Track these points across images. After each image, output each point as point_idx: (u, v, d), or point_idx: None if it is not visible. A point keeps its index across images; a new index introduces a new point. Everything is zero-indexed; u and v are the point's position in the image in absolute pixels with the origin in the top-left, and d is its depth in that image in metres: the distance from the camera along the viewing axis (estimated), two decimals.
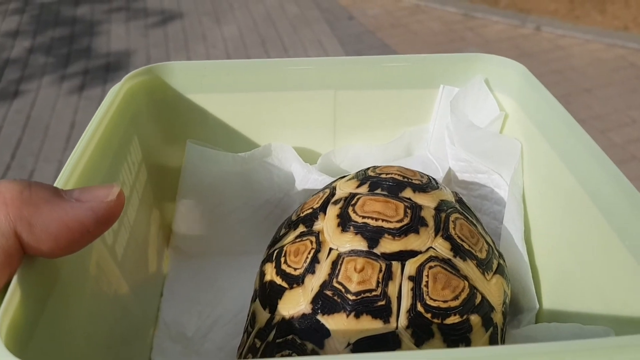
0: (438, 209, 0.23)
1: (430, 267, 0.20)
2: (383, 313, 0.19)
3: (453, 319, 0.19)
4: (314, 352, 0.19)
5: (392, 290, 0.19)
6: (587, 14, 1.77)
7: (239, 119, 0.30)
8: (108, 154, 0.23)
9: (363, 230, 0.21)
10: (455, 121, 0.28)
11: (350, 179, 0.25)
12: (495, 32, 1.71)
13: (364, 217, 0.21)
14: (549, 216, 0.25)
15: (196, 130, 0.30)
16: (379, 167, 0.26)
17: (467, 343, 0.19)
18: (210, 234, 0.32)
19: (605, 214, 0.20)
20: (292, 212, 0.26)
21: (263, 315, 0.21)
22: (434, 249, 0.21)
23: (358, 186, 0.24)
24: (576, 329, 0.20)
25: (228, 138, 0.31)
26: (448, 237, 0.21)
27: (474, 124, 0.28)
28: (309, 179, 0.29)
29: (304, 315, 0.20)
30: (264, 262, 0.24)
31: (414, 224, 0.21)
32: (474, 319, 0.20)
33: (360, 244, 0.21)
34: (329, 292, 0.20)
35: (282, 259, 0.22)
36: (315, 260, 0.21)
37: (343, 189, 0.24)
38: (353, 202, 0.22)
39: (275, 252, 0.23)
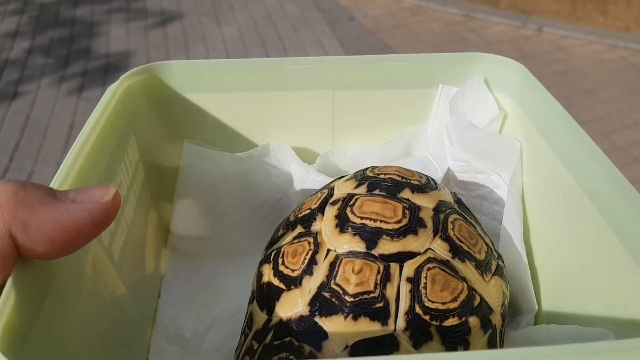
0: (437, 209, 0.22)
1: (429, 269, 0.20)
2: (381, 315, 0.19)
3: (451, 321, 0.19)
4: (311, 355, 0.18)
5: (390, 292, 0.19)
6: (588, 14, 1.76)
7: (237, 118, 0.30)
8: (105, 153, 0.23)
9: (361, 231, 0.21)
10: (454, 121, 0.28)
11: (348, 180, 0.25)
12: (497, 33, 1.71)
13: (362, 218, 0.21)
14: (548, 216, 0.25)
15: (194, 130, 0.30)
16: (378, 167, 0.26)
17: (466, 345, 0.19)
18: (208, 234, 0.32)
19: (605, 214, 0.19)
20: (290, 212, 0.26)
21: (260, 317, 0.21)
22: (432, 250, 0.21)
23: (356, 186, 0.24)
24: (575, 330, 0.20)
25: (226, 138, 0.30)
26: (447, 238, 0.21)
27: (473, 124, 0.28)
28: (307, 179, 0.29)
29: (301, 317, 0.20)
30: (261, 263, 0.24)
31: (413, 225, 0.21)
32: (473, 320, 0.19)
33: (359, 245, 0.20)
34: (326, 294, 0.19)
35: (280, 260, 0.22)
36: (313, 261, 0.21)
37: (341, 190, 0.24)
38: (351, 202, 0.22)
39: (273, 253, 0.23)
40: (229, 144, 0.30)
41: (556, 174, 0.23)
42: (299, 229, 0.23)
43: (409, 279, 0.20)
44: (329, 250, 0.21)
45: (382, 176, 0.24)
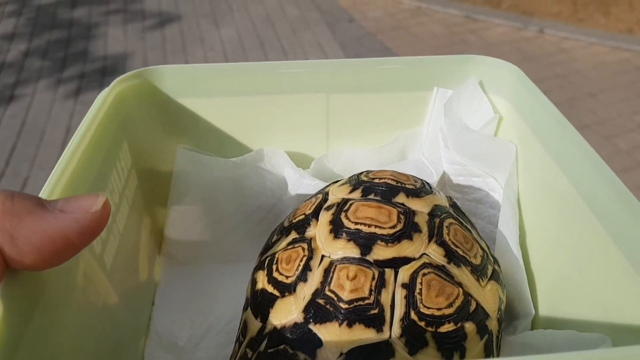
0: (432, 214, 0.22)
1: (424, 274, 0.20)
2: (376, 322, 0.18)
3: (447, 327, 0.19)
4: None
5: (385, 298, 0.19)
6: (590, 16, 1.75)
7: (230, 123, 0.30)
8: (96, 160, 0.23)
9: (356, 237, 0.21)
10: (449, 124, 0.28)
11: (343, 184, 0.25)
12: (498, 35, 1.70)
13: (356, 223, 0.21)
14: (544, 220, 0.24)
15: (187, 135, 0.30)
16: (372, 171, 0.25)
17: (462, 351, 0.19)
18: (203, 240, 0.32)
19: (601, 218, 0.19)
20: (285, 217, 0.26)
21: (255, 325, 0.21)
22: (427, 255, 0.20)
23: (351, 191, 0.24)
24: (572, 336, 0.20)
25: (220, 143, 0.30)
26: (442, 243, 0.21)
27: (468, 127, 0.28)
28: (301, 184, 0.29)
29: (295, 324, 0.19)
30: (255, 270, 0.23)
31: (407, 230, 0.21)
32: (469, 326, 0.19)
33: (353, 251, 0.20)
34: (321, 301, 0.19)
35: (274, 267, 0.22)
36: (307, 267, 0.21)
37: (336, 195, 0.24)
38: (346, 208, 0.22)
39: (267, 259, 0.23)
40: (223, 149, 0.30)
41: (552, 177, 0.23)
42: (293, 235, 0.23)
43: (404, 285, 0.19)
44: (323, 256, 0.21)
45: (376, 180, 0.24)
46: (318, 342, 0.18)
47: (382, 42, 1.68)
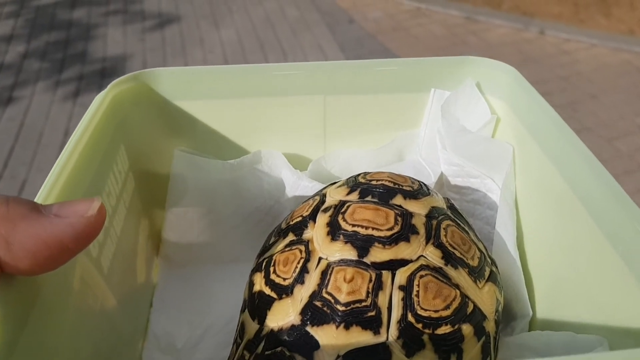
0: (429, 216, 0.22)
1: (421, 276, 0.20)
2: (373, 324, 0.18)
3: (444, 329, 0.19)
4: None
5: (382, 300, 0.19)
6: (591, 17, 1.73)
7: (227, 125, 0.30)
8: (93, 163, 0.23)
9: (353, 239, 0.21)
10: (447, 125, 0.28)
11: (340, 186, 0.25)
12: (498, 36, 1.68)
13: (354, 225, 0.21)
14: (542, 221, 0.24)
15: (184, 137, 0.30)
16: (370, 173, 0.25)
17: (459, 353, 0.19)
18: (201, 242, 0.32)
19: (597, 219, 0.19)
20: (282, 219, 0.26)
21: (252, 327, 0.21)
22: (425, 257, 0.20)
23: (348, 193, 0.24)
24: (569, 337, 0.20)
25: (217, 145, 0.30)
26: (439, 245, 0.21)
27: (465, 128, 0.28)
28: (299, 186, 0.29)
29: (293, 326, 0.19)
30: (253, 272, 0.23)
31: (405, 232, 0.21)
32: (466, 328, 0.19)
33: (350, 253, 0.20)
34: (318, 303, 0.19)
35: (271, 269, 0.22)
36: (304, 270, 0.21)
37: (333, 196, 0.24)
38: (343, 210, 0.22)
39: (265, 261, 0.23)
40: (220, 151, 0.30)
41: (549, 178, 0.23)
42: (291, 237, 0.23)
43: (401, 287, 0.19)
44: (320, 259, 0.21)
45: (374, 182, 0.24)
46: (315, 345, 0.18)
47: (382, 43, 1.68)
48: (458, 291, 0.20)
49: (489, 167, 0.28)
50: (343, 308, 0.19)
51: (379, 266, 0.20)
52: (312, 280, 0.20)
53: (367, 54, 1.61)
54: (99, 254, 0.22)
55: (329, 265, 0.20)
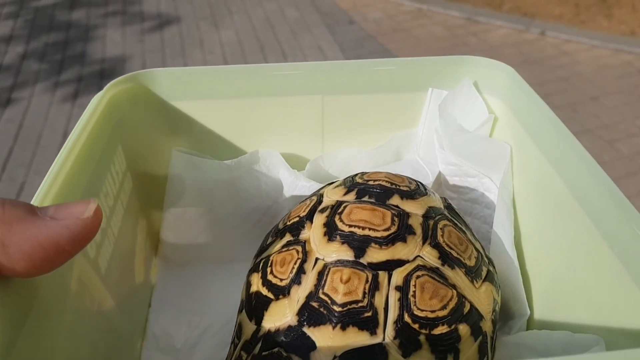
0: (426, 216, 0.22)
1: (418, 277, 0.20)
2: (370, 324, 0.18)
3: (441, 329, 0.19)
4: None
5: (378, 301, 0.19)
6: (592, 18, 1.72)
7: (225, 125, 0.30)
8: (90, 164, 0.23)
9: (350, 240, 0.21)
10: (444, 125, 0.28)
11: (337, 186, 0.25)
12: (499, 37, 1.67)
13: (350, 225, 0.21)
14: (539, 221, 0.24)
15: (182, 138, 0.30)
16: (367, 173, 0.25)
17: (456, 353, 0.19)
18: (199, 242, 0.32)
19: (594, 220, 0.19)
20: (280, 219, 0.26)
21: (249, 327, 0.21)
22: (421, 257, 0.20)
23: (345, 193, 0.24)
24: (566, 337, 0.20)
25: (215, 145, 0.30)
26: (436, 245, 0.21)
27: (463, 128, 0.28)
28: (297, 186, 0.29)
29: (289, 327, 0.19)
30: (250, 272, 0.23)
31: (401, 232, 0.21)
32: (463, 328, 0.19)
33: (347, 254, 0.20)
34: (314, 304, 0.19)
35: (269, 269, 0.22)
36: (301, 270, 0.21)
37: (330, 197, 0.24)
38: (340, 210, 0.22)
39: (262, 262, 0.23)
40: (218, 152, 0.30)
41: (546, 177, 0.23)
42: (288, 237, 0.23)
43: (397, 288, 0.19)
44: (317, 259, 0.21)
45: (371, 182, 0.24)
46: (312, 345, 0.18)
47: (383, 44, 1.67)
48: (455, 291, 0.20)
49: (487, 166, 0.28)
50: (339, 309, 0.19)
51: (375, 267, 0.20)
52: (308, 281, 0.20)
53: (367, 55, 1.60)
54: (97, 254, 0.22)
55: (325, 266, 0.20)
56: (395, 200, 0.23)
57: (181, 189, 0.30)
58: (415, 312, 0.19)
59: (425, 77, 0.29)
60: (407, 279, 0.20)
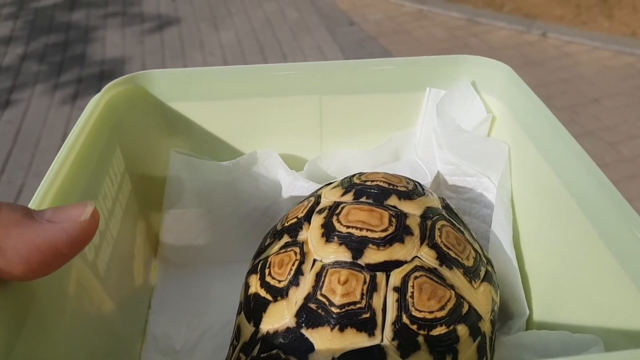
0: (424, 216, 0.22)
1: (416, 277, 0.20)
2: (368, 326, 0.18)
3: (439, 330, 0.19)
4: None
5: (376, 302, 0.19)
6: (593, 19, 1.70)
7: (223, 126, 0.30)
8: (88, 166, 0.23)
9: (347, 241, 0.21)
10: (442, 124, 0.28)
11: (335, 187, 0.25)
12: (500, 39, 1.66)
13: (348, 226, 0.21)
14: (537, 220, 0.24)
15: (180, 139, 0.30)
16: (365, 173, 0.25)
17: (454, 354, 0.19)
18: (199, 243, 0.32)
19: (592, 219, 0.19)
20: (279, 220, 0.26)
21: (248, 329, 0.21)
22: (419, 258, 0.20)
23: (343, 194, 0.24)
24: (566, 337, 0.20)
25: (213, 146, 0.30)
26: (434, 246, 0.21)
27: (461, 127, 0.28)
28: (295, 186, 0.29)
29: (288, 329, 0.19)
30: (249, 274, 0.23)
31: (399, 233, 0.21)
32: (461, 329, 0.19)
33: (345, 255, 0.20)
34: (313, 305, 0.19)
35: (267, 271, 0.22)
36: (299, 272, 0.21)
37: (328, 198, 0.24)
38: (337, 211, 0.22)
39: (260, 263, 0.23)
40: (216, 152, 0.30)
41: (544, 177, 0.23)
42: (286, 239, 0.23)
43: (395, 289, 0.19)
44: (315, 261, 0.21)
45: (368, 183, 0.24)
46: (310, 347, 0.18)
47: (383, 45, 1.67)
48: (453, 292, 0.20)
49: (485, 165, 0.28)
50: (337, 310, 0.19)
51: (373, 268, 0.20)
52: (306, 283, 0.20)
53: (367, 56, 1.60)
54: (95, 257, 0.22)
55: (323, 267, 0.20)
56: (392, 200, 0.23)
57: (180, 190, 0.30)
58: (413, 313, 0.19)
59: (423, 76, 0.29)
60: (405, 280, 0.19)
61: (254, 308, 0.21)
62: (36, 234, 0.15)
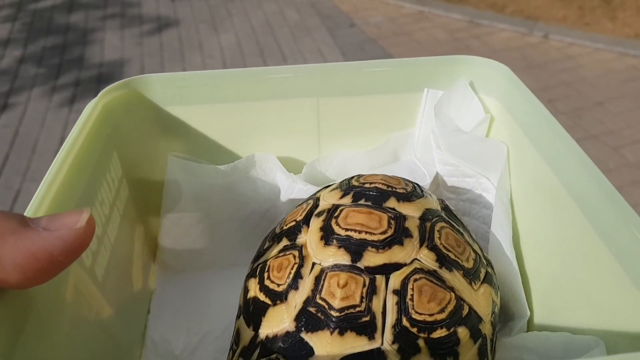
0: (423, 218, 0.22)
1: (415, 280, 0.20)
2: (367, 329, 0.18)
3: (440, 333, 0.19)
4: None
5: (376, 305, 0.19)
6: (596, 21, 1.67)
7: (220, 130, 0.30)
8: (85, 172, 0.23)
9: (346, 244, 0.20)
10: (440, 125, 0.28)
11: (333, 189, 0.25)
12: (502, 41, 1.64)
13: (347, 229, 0.21)
14: (537, 220, 0.24)
15: (178, 143, 0.30)
16: (363, 175, 0.25)
17: (455, 356, 0.19)
18: (197, 247, 0.31)
19: (591, 220, 0.19)
20: (277, 223, 0.26)
21: (247, 333, 0.21)
22: (419, 260, 0.20)
23: (341, 197, 0.23)
24: (567, 338, 0.20)
25: (210, 150, 0.30)
26: (433, 248, 0.21)
27: (459, 128, 0.28)
28: (294, 189, 0.29)
29: (287, 333, 0.19)
30: (247, 278, 0.23)
31: (398, 235, 0.21)
32: (462, 331, 0.19)
33: (344, 258, 0.20)
34: (312, 309, 0.19)
35: (266, 275, 0.22)
36: (298, 275, 0.20)
37: (326, 200, 0.24)
38: (336, 214, 0.22)
39: (259, 267, 0.23)
40: (214, 156, 0.30)
41: (543, 177, 0.23)
42: (285, 242, 0.23)
43: (395, 291, 0.19)
44: (314, 264, 0.20)
45: (367, 185, 0.24)
46: (310, 351, 0.18)
47: (384, 48, 1.65)
48: (453, 294, 0.20)
49: (484, 166, 0.28)
50: (337, 314, 0.19)
51: (372, 270, 0.20)
52: (306, 286, 0.20)
53: (368, 58, 1.57)
54: (93, 263, 0.22)
55: (322, 271, 0.20)
56: (391, 202, 0.23)
57: (178, 194, 0.30)
58: (413, 316, 0.19)
59: (420, 77, 0.29)
60: (404, 283, 0.19)
61: (253, 312, 0.21)
62: (32, 242, 0.14)
